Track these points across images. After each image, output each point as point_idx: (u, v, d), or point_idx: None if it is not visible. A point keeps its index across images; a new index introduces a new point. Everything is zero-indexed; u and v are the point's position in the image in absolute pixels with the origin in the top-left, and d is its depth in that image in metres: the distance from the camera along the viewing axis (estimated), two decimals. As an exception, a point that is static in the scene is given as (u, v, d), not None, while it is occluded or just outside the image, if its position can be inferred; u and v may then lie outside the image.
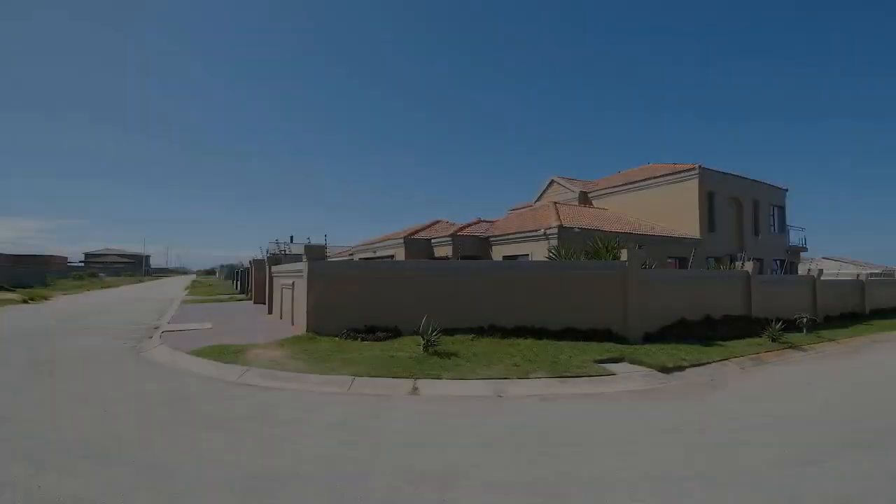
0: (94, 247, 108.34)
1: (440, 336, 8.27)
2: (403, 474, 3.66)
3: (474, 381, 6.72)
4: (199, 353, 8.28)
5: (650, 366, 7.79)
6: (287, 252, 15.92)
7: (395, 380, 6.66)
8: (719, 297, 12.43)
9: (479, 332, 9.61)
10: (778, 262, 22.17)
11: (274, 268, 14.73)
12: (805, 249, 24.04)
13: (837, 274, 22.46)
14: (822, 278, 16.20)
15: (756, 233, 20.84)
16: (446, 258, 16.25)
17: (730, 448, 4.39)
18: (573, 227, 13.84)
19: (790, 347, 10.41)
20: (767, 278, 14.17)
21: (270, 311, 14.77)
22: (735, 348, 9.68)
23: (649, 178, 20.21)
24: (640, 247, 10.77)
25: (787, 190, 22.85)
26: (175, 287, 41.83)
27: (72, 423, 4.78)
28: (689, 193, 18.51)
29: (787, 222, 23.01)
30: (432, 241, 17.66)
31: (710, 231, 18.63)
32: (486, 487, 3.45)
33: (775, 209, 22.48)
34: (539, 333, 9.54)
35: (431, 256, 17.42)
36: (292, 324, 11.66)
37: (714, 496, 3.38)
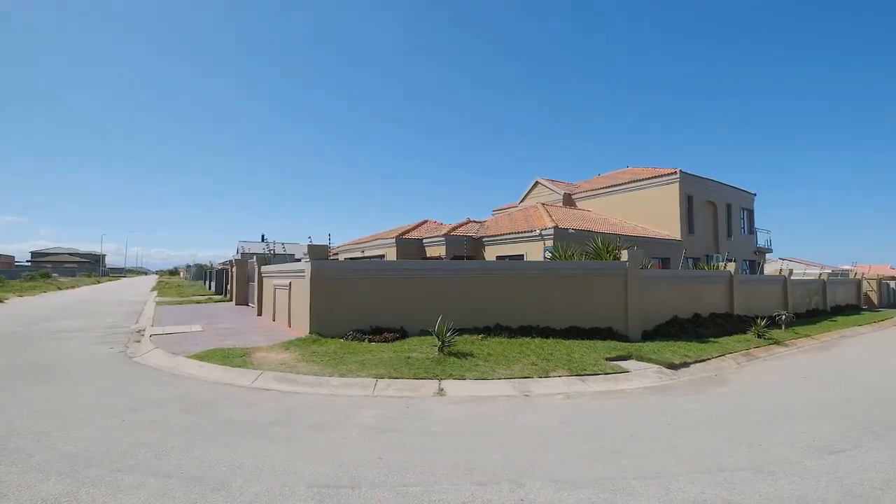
0: (40, 245, 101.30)
1: (454, 336, 8.23)
2: (469, 475, 3.62)
3: (497, 380, 6.74)
4: (202, 357, 7.90)
5: (657, 363, 8.05)
6: (274, 252, 15.40)
7: (418, 381, 6.59)
8: (706, 297, 13.01)
9: (487, 331, 9.64)
10: (747, 262, 23.44)
11: (264, 268, 14.23)
12: (770, 251, 25.55)
13: (804, 274, 23.97)
14: (792, 278, 17.27)
15: (729, 235, 21.96)
16: (439, 258, 16.20)
17: (763, 438, 4.60)
18: (568, 229, 14.14)
19: (774, 343, 11.03)
20: (746, 278, 14.97)
21: (260, 313, 14.26)
22: (727, 345, 10.16)
23: (631, 182, 20.90)
24: (636, 247, 11.11)
25: (755, 194, 24.24)
26: (140, 287, 39.68)
27: (91, 433, 4.45)
28: (670, 197, 19.29)
29: (755, 225, 24.39)
30: (424, 240, 17.57)
31: (689, 233, 19.47)
32: (556, 485, 3.47)
33: (745, 212, 23.77)
34: (544, 333, 9.68)
35: (423, 256, 17.32)
36: (289, 325, 11.31)
37: (769, 485, 3.53)
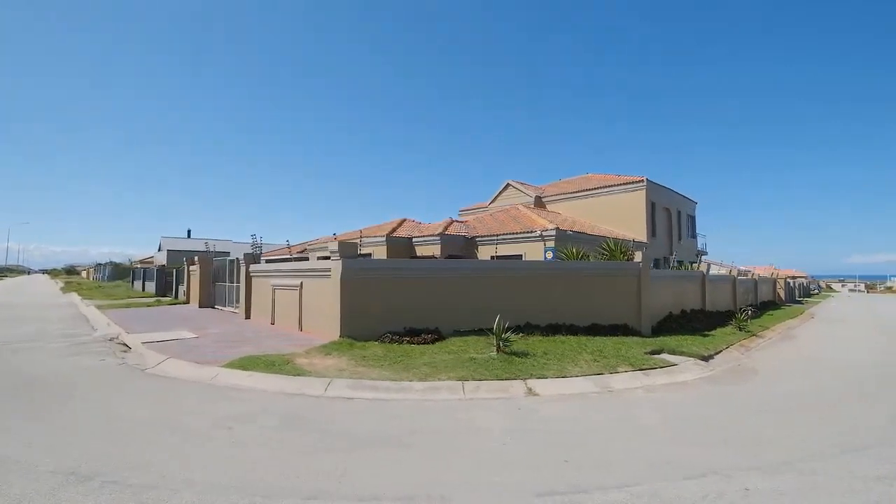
0: None
1: (514, 336, 8.22)
2: (673, 470, 3.67)
3: (574, 378, 6.85)
4: (240, 365, 7.05)
5: (690, 356, 8.71)
6: (261, 250, 13.95)
7: (503, 381, 6.48)
8: (688, 294, 14.33)
9: (517, 330, 9.72)
10: (690, 263, 26.15)
11: (255, 267, 12.96)
12: (706, 253, 28.78)
13: (748, 275, 27.28)
14: (738, 278, 19.63)
15: (679, 238, 24.36)
16: (432, 257, 15.98)
17: (844, 415, 5.22)
18: (567, 231, 14.73)
19: (753, 335, 12.45)
20: (712, 277, 16.72)
21: (249, 316, 12.97)
22: (723, 337, 11.27)
23: (601, 187, 22.33)
24: (632, 248, 11.89)
25: (697, 202, 27.14)
26: (46, 289, 34.05)
27: (210, 459, 3.78)
28: (637, 202, 20.91)
29: (697, 230, 27.33)
30: (413, 239, 17.21)
31: (652, 236, 21.26)
32: (755, 473, 3.64)
33: (689, 218, 26.51)
34: (572, 330, 10.00)
35: (413, 255, 16.96)
36: (300, 329, 10.48)
37: (908, 458, 4.03)
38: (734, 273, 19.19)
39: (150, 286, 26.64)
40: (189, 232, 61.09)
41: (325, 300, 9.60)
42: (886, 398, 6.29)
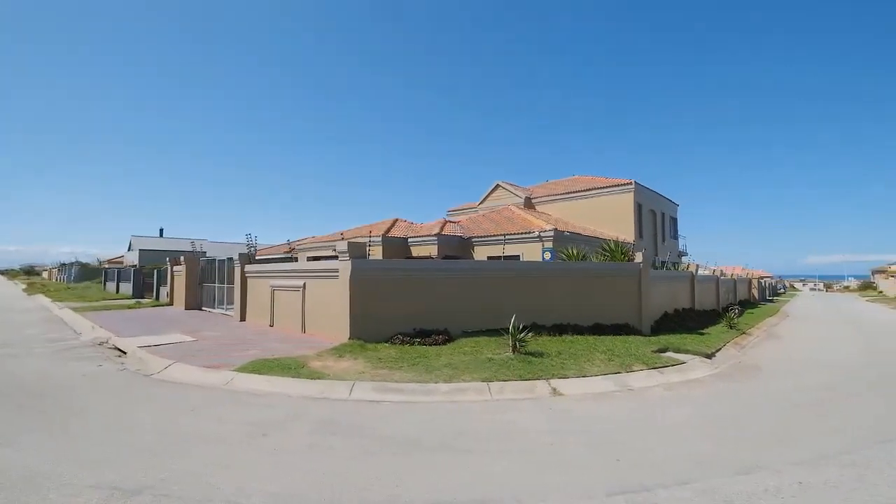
0: None
1: (528, 336, 8.25)
2: (712, 467, 3.75)
3: (593, 377, 6.93)
4: (254, 369, 6.82)
5: (695, 353, 8.97)
6: (255, 249, 13.46)
7: (527, 382, 6.49)
8: (680, 294, 14.76)
9: (523, 330, 9.76)
10: (674, 264, 26.98)
11: (251, 267, 12.54)
12: (687, 254, 29.73)
13: (728, 276, 28.30)
14: (722, 278, 20.36)
15: (663, 239, 25.08)
16: (429, 257, 15.88)
17: (858, 409, 5.48)
18: (564, 232, 14.92)
19: (743, 333, 12.93)
20: (700, 278, 17.29)
21: (244, 318, 12.55)
22: (718, 335, 11.64)
23: (590, 189, 22.75)
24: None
25: (678, 205, 28.02)
26: (6, 290, 32.12)
27: (255, 470, 3.63)
28: (625, 204, 21.41)
29: (678, 231, 28.22)
30: (409, 240, 17.07)
31: (639, 237, 21.81)
32: (803, 467, 3.76)
33: (671, 220, 27.34)
34: (577, 330, 10.14)
35: (408, 255, 16.82)
36: (303, 331, 10.24)
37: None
38: (717, 274, 19.90)
39: (126, 287, 25.46)
40: (161, 231, 58.75)
41: (331, 301, 9.39)
42: (890, 393, 6.63)
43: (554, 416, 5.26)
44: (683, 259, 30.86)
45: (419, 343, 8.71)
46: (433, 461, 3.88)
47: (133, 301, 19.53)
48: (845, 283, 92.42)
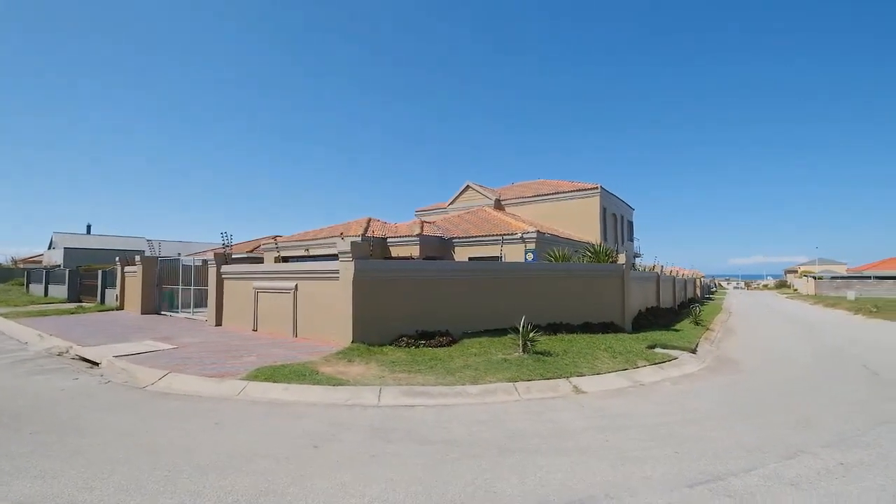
0: None
1: (537, 335, 8.40)
2: (760, 454, 4.06)
3: (606, 374, 7.21)
4: (267, 377, 6.39)
5: (681, 349, 9.60)
6: (231, 250, 12.41)
7: (548, 381, 6.63)
8: (649, 293, 15.72)
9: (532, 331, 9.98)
10: (632, 265, 28.71)
11: (228, 268, 11.68)
12: (641, 256, 31.73)
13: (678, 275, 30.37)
14: (677, 278, 21.94)
15: (622, 241, 26.58)
16: (410, 257, 15.70)
17: (842, 393, 6.16)
18: (545, 234, 15.35)
19: (706, 329, 14.03)
20: (663, 278, 18.52)
21: (220, 323, 11.66)
22: (690, 332, 12.52)
23: (558, 193, 23.61)
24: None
25: (634, 209, 29.84)
26: None
27: (328, 484, 3.43)
28: (591, 207, 22.45)
29: (634, 234, 30.05)
30: (388, 239, 16.76)
31: (604, 239, 22.95)
32: (832, 450, 4.17)
33: (628, 223, 29.05)
34: (569, 329, 10.50)
35: (387, 256, 16.50)
36: (295, 335, 9.74)
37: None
38: (675, 275, 21.44)
39: (58, 290, 22.79)
40: (89, 228, 53.25)
41: (329, 303, 9.02)
42: (858, 380, 7.48)
43: (589, 413, 5.41)
44: (638, 260, 32.91)
45: (424, 345, 8.59)
46: (510, 463, 3.85)
47: (74, 305, 17.51)
48: (763, 283, 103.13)
